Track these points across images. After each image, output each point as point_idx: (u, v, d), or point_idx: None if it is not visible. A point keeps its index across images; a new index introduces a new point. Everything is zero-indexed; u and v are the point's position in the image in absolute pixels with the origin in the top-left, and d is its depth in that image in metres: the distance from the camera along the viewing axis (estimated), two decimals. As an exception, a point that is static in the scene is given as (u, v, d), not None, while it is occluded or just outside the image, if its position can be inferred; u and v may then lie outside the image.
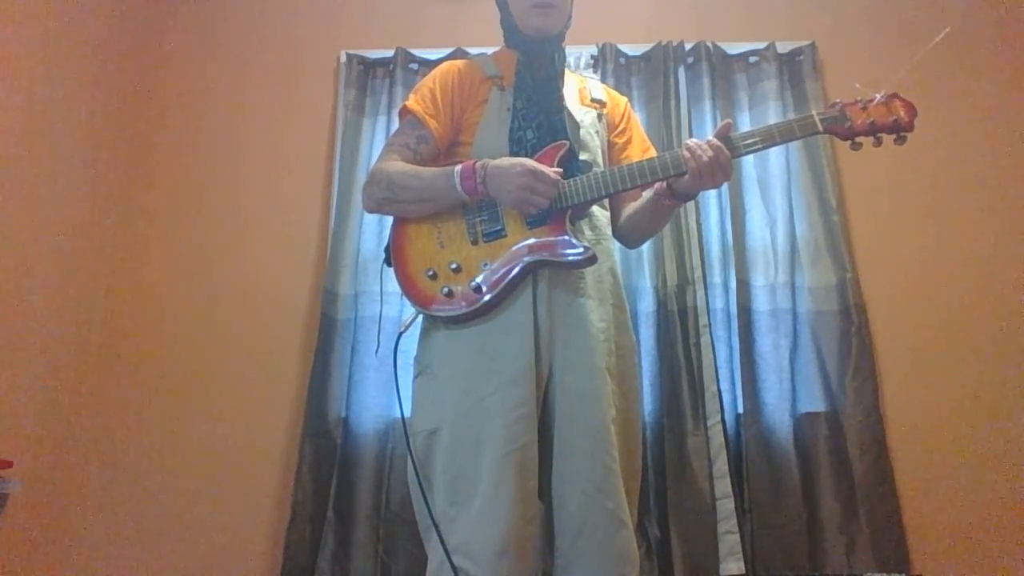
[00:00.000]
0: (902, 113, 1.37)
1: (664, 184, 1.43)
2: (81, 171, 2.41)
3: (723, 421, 2.25)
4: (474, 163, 1.38)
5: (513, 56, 1.55)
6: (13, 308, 2.10)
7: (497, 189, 1.36)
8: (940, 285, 2.43)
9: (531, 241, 1.37)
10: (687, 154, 1.35)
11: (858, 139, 1.38)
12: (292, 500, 2.25)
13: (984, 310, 2.40)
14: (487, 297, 1.35)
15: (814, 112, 1.39)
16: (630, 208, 1.58)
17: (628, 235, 1.62)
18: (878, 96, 1.38)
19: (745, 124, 2.53)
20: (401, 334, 1.46)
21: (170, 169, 2.65)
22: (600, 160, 1.53)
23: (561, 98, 1.50)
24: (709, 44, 2.62)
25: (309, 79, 2.73)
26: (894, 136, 1.37)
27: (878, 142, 1.39)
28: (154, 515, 2.32)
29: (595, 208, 1.50)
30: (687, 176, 1.36)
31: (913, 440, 2.29)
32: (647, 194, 1.51)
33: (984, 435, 2.29)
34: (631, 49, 2.66)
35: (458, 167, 1.39)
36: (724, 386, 2.31)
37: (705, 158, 1.33)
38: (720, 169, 1.34)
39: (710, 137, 1.37)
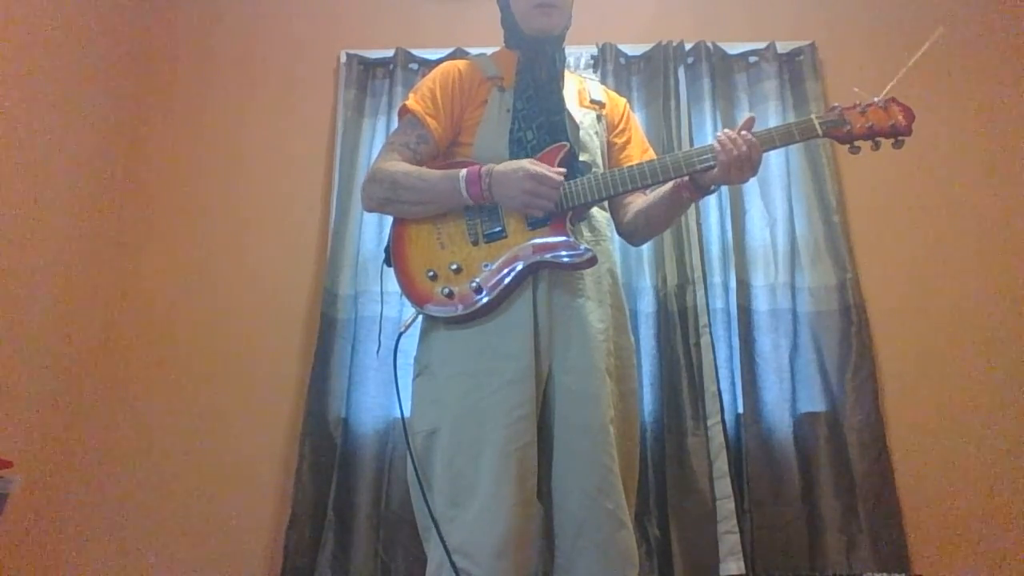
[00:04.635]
0: (900, 118, 1.37)
1: (687, 176, 1.43)
2: (82, 170, 2.41)
3: (723, 421, 2.25)
4: (479, 168, 1.38)
5: (513, 56, 1.55)
6: (13, 308, 2.10)
7: (501, 195, 1.37)
8: (940, 285, 2.44)
9: (532, 242, 1.38)
10: (718, 147, 1.35)
11: (856, 143, 1.39)
12: (292, 500, 2.24)
13: (984, 310, 2.40)
14: (484, 300, 1.35)
15: (813, 116, 1.39)
16: (639, 204, 1.57)
17: (638, 231, 1.61)
18: (876, 100, 1.39)
19: (745, 124, 2.53)
20: (401, 334, 1.46)
21: (170, 169, 2.66)
22: (600, 161, 1.53)
23: (561, 99, 1.50)
24: (709, 44, 2.62)
25: (309, 79, 2.74)
26: (892, 140, 1.38)
27: (876, 146, 1.40)
28: (154, 515, 2.32)
29: (595, 209, 1.50)
30: (716, 170, 1.36)
31: (913, 440, 2.30)
32: (664, 188, 1.50)
33: (984, 435, 2.29)
34: (631, 49, 2.66)
35: (463, 172, 1.39)
36: (724, 386, 2.31)
37: (736, 151, 1.33)
38: (749, 165, 1.35)
39: (743, 131, 1.36)
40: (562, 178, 1.37)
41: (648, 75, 2.63)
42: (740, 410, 2.31)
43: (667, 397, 2.28)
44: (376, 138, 2.60)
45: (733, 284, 2.40)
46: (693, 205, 2.39)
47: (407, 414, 1.45)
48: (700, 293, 2.36)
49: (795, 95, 2.60)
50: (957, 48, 2.65)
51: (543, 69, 1.51)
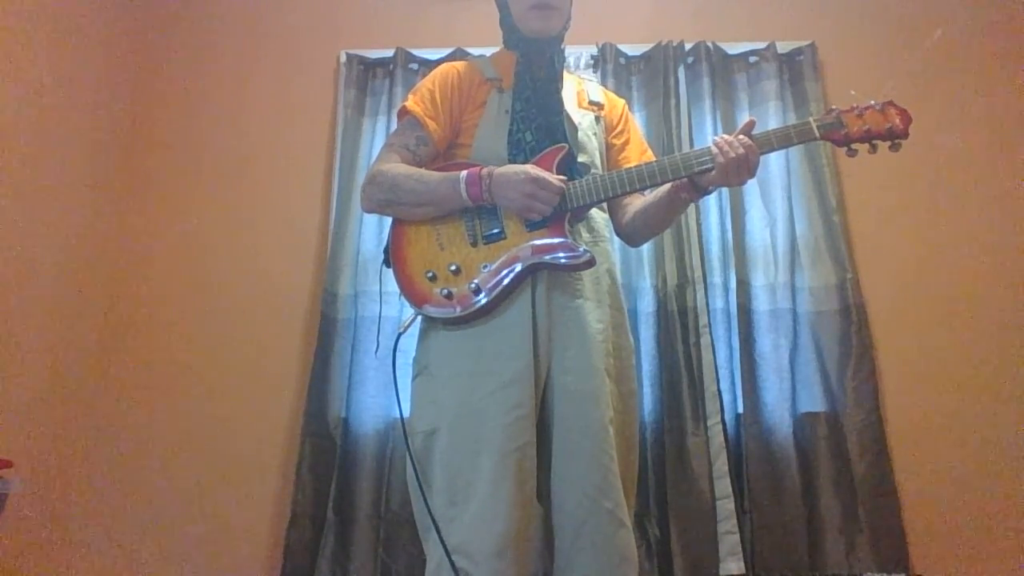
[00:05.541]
0: (897, 121, 1.38)
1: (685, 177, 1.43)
2: (82, 170, 2.42)
3: (723, 421, 2.25)
4: (479, 170, 1.39)
5: (512, 57, 1.55)
6: (14, 308, 2.11)
7: (502, 196, 1.37)
8: (940, 285, 2.43)
9: (530, 244, 1.38)
10: (715, 150, 1.35)
11: (853, 146, 1.39)
12: (292, 500, 2.25)
13: (984, 310, 2.40)
14: (482, 301, 1.35)
15: (811, 119, 1.40)
16: (637, 205, 1.58)
17: (637, 231, 1.61)
18: (874, 103, 1.39)
19: (745, 124, 2.53)
20: (400, 334, 1.46)
21: (170, 169, 2.66)
22: (598, 162, 1.53)
23: (560, 100, 1.50)
24: (709, 44, 2.62)
25: (309, 79, 2.74)
26: (889, 143, 1.38)
27: (873, 149, 1.40)
28: (154, 515, 2.33)
29: (593, 210, 1.50)
30: (714, 172, 1.37)
31: (913, 440, 2.29)
32: (662, 189, 1.50)
33: (984, 435, 2.29)
34: (631, 49, 2.66)
35: (464, 173, 1.39)
36: (724, 386, 2.31)
37: (733, 154, 1.34)
38: (747, 167, 1.35)
39: (740, 135, 1.37)
40: (563, 184, 1.37)
41: (648, 75, 2.63)
42: (740, 410, 2.32)
43: (667, 397, 2.29)
44: (376, 138, 2.60)
45: (733, 284, 2.40)
46: (692, 205, 2.39)
47: (406, 414, 1.45)
48: (700, 293, 2.36)
49: (795, 95, 2.60)
50: (957, 48, 2.65)
51: (541, 70, 1.51)
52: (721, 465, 2.21)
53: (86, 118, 2.45)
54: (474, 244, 1.40)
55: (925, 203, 2.52)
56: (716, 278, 2.44)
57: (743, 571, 2.12)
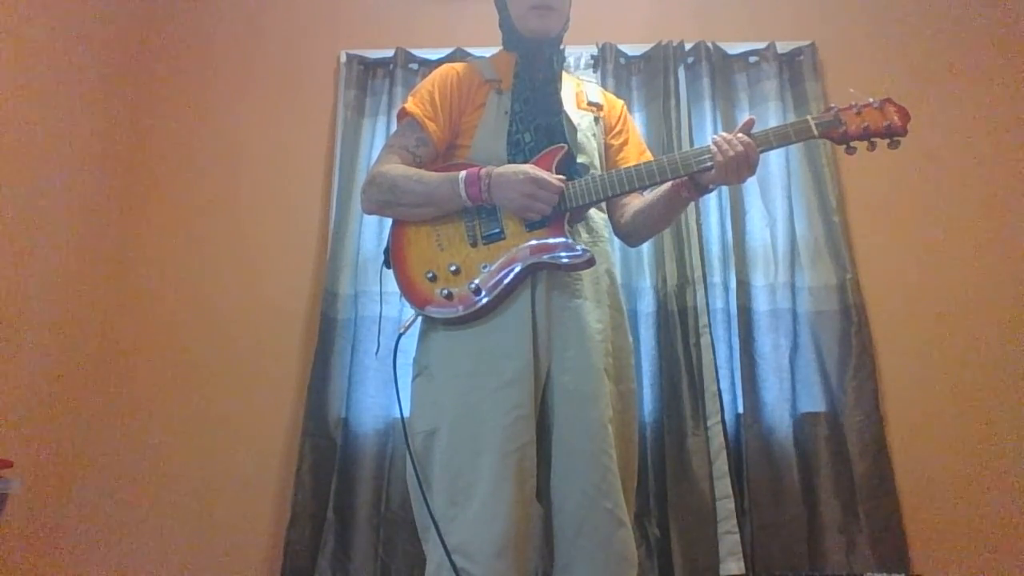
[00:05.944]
0: (896, 118, 1.38)
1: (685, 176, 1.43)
2: (80, 171, 2.42)
3: (723, 421, 2.25)
4: (479, 170, 1.39)
5: (511, 59, 1.56)
6: (13, 308, 2.11)
7: (501, 197, 1.38)
8: (940, 285, 2.43)
9: (529, 243, 1.38)
10: (715, 148, 1.36)
11: (852, 144, 1.39)
12: (292, 500, 2.25)
13: (984, 310, 2.40)
14: (484, 300, 1.35)
15: (809, 117, 1.40)
16: (637, 205, 1.58)
17: (636, 231, 1.61)
18: (872, 101, 1.39)
19: (745, 124, 2.53)
20: (401, 335, 1.47)
21: (170, 169, 2.66)
22: (597, 162, 1.54)
23: (559, 101, 1.51)
24: (709, 44, 2.62)
25: (309, 79, 2.74)
26: (888, 141, 1.38)
27: (872, 147, 1.40)
28: (154, 515, 2.33)
29: (592, 210, 1.50)
30: (713, 170, 1.37)
31: (913, 440, 2.29)
32: (662, 188, 1.50)
33: (984, 435, 2.29)
34: (631, 49, 2.66)
35: (463, 174, 1.39)
36: (724, 386, 2.31)
37: (733, 152, 1.34)
38: (747, 165, 1.35)
39: (739, 133, 1.37)
40: (562, 184, 1.37)
41: (648, 75, 2.63)
42: (740, 410, 2.31)
43: (667, 397, 2.28)
44: (376, 138, 2.60)
45: (733, 284, 2.40)
46: (693, 205, 2.40)
47: (407, 414, 1.45)
48: (700, 293, 2.36)
49: (795, 95, 2.60)
50: (957, 48, 2.65)
51: (540, 71, 1.52)
52: (721, 465, 2.21)
53: (86, 118, 2.45)
54: (474, 244, 1.40)
55: (925, 203, 2.52)
56: (716, 278, 2.44)
57: (743, 571, 2.12)
